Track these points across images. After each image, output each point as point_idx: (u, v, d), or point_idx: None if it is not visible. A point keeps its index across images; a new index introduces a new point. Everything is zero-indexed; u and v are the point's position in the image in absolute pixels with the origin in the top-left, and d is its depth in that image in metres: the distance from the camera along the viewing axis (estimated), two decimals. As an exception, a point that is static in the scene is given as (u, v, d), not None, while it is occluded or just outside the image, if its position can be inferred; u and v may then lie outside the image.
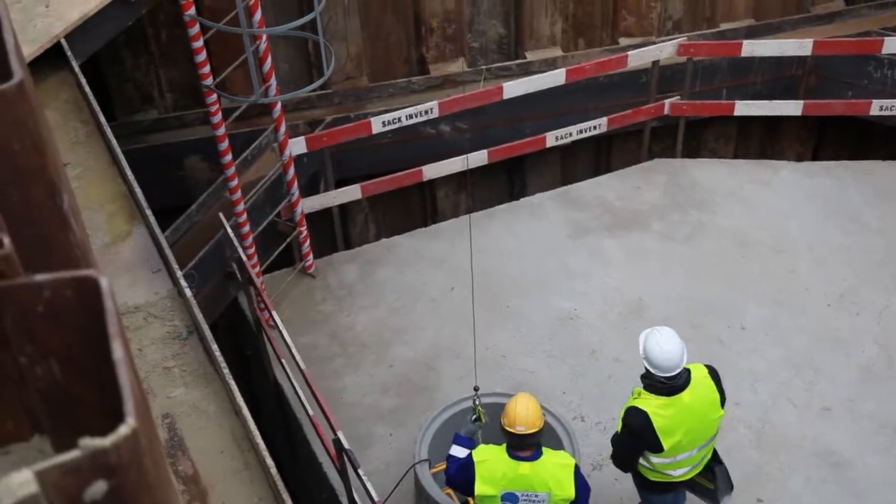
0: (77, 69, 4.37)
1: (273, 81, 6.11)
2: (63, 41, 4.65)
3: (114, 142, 3.80)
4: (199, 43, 5.71)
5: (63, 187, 1.38)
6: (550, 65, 7.97)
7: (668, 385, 4.40)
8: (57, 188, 1.32)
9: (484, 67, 8.01)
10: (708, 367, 4.62)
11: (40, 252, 1.29)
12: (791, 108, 8.05)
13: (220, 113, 5.96)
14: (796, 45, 7.73)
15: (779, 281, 7.01)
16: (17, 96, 1.24)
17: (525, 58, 8.13)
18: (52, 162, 1.35)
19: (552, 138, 7.85)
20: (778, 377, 6.29)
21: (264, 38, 5.94)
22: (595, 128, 7.92)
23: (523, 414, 4.23)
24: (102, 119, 3.98)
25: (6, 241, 0.99)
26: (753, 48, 7.72)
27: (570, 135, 7.90)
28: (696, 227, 7.55)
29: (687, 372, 4.49)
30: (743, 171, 8.10)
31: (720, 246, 7.36)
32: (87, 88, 4.17)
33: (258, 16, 5.82)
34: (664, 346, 4.37)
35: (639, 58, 7.65)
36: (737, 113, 8.10)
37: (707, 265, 7.18)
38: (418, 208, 8.67)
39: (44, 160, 1.31)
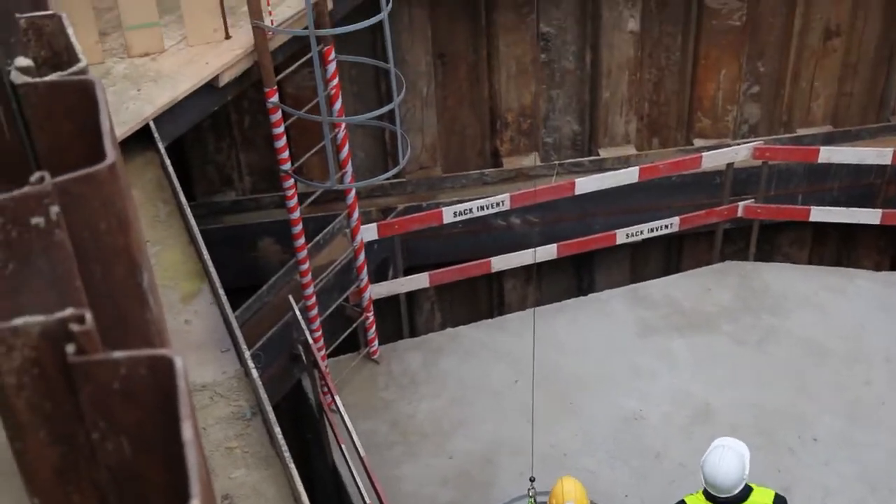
0: (163, 150, 4.52)
1: (349, 168, 6.24)
2: (152, 123, 4.83)
3: (192, 221, 3.91)
4: (280, 129, 5.89)
5: (144, 266, 1.41)
6: (624, 162, 8.00)
7: (722, 501, 4.40)
8: (138, 267, 1.36)
9: (557, 162, 8.08)
10: (778, 496, 4.53)
11: (118, 328, 1.32)
12: (869, 216, 7.91)
13: (295, 197, 6.09)
14: (875, 154, 7.64)
15: (853, 392, 6.79)
16: (108, 178, 1.29)
17: (598, 154, 8.18)
18: (136, 241, 1.39)
19: (623, 235, 7.83)
20: (852, 494, 6.05)
21: (343, 126, 6.10)
22: (666, 227, 7.89)
23: (570, 489, 4.25)
24: (183, 199, 4.10)
25: (88, 317, 1.02)
26: (831, 155, 7.66)
27: (641, 233, 7.87)
28: (767, 332, 7.39)
29: (747, 491, 4.43)
30: (818, 278, 7.94)
31: (792, 353, 7.18)
32: (171, 169, 4.31)
33: (338, 105, 5.98)
34: (722, 466, 4.36)
35: (713, 159, 7.63)
36: (812, 219, 7.99)
37: (778, 372, 7.00)
38: (485, 299, 8.67)
39: (128, 239, 1.35)
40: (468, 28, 7.59)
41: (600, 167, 8.01)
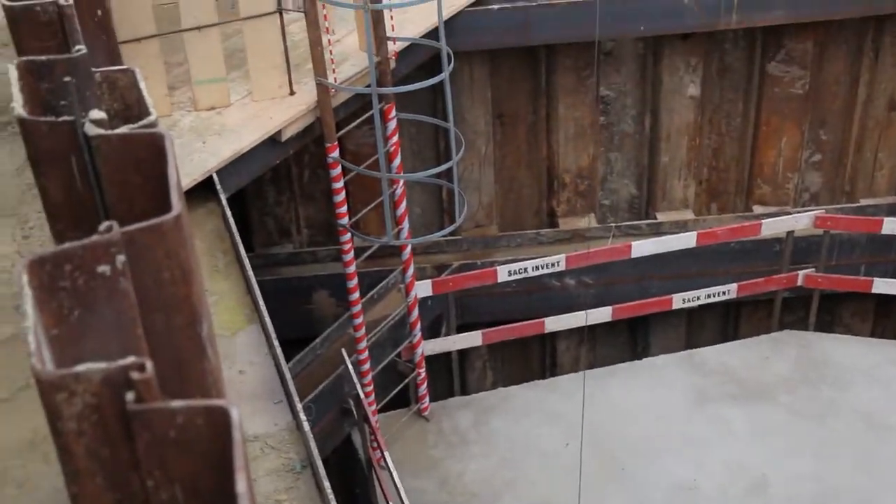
0: (224, 202, 4.61)
1: (405, 224, 6.29)
2: (215, 175, 4.93)
3: (250, 272, 3.96)
4: (340, 184, 5.97)
5: (204, 316, 1.43)
6: (681, 227, 7.94)
7: None
8: (199, 316, 1.38)
9: (614, 225, 8.05)
10: None
11: (176, 377, 1.33)
12: (934, 287, 7.72)
13: (352, 251, 6.15)
14: (941, 224, 7.48)
15: (917, 470, 6.57)
16: (174, 229, 1.32)
17: (656, 218, 8.14)
18: (197, 292, 1.41)
19: (679, 300, 7.74)
20: (913, 576, 5.82)
21: (401, 182, 6.16)
22: (724, 293, 7.78)
23: None
24: (242, 250, 4.16)
25: (149, 366, 1.03)
26: (895, 226, 7.51)
27: (698, 298, 7.77)
28: (827, 404, 7.21)
29: None
30: (881, 351, 7.75)
31: (853, 427, 6.98)
32: (231, 220, 4.38)
33: (397, 161, 6.05)
34: None
35: (773, 227, 7.54)
36: (875, 290, 7.82)
37: (838, 446, 6.81)
38: (537, 359, 8.61)
39: (190, 290, 1.37)
40: (528, 89, 7.66)
41: (657, 231, 7.96)
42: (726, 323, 8.76)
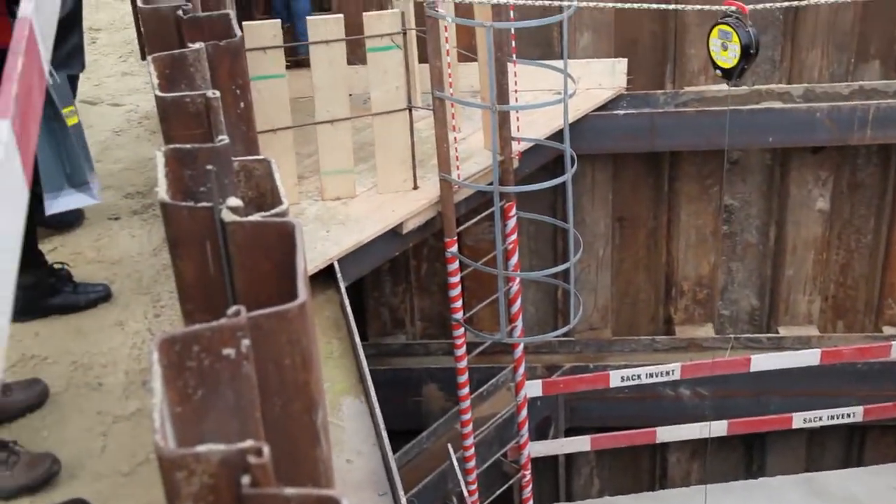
0: (343, 291, 4.70)
1: (519, 323, 6.27)
2: (336, 264, 5.05)
3: (364, 362, 4.00)
4: (456, 279, 6.01)
5: (320, 404, 1.45)
6: (804, 343, 7.66)
7: None
8: (316, 404, 1.40)
9: (733, 336, 7.83)
10: None
11: (289, 463, 1.35)
12: None
13: (464, 346, 6.15)
14: None
15: None
16: (298, 316, 1.35)
17: (777, 332, 7.88)
18: (316, 379, 1.43)
19: (800, 419, 7.42)
20: None
21: (517, 280, 6.17)
22: (849, 415, 7.42)
23: None
24: (357, 339, 4.22)
25: (266, 450, 1.05)
26: None
27: (820, 419, 7.43)
28: (959, 543, 6.73)
29: None
30: None
31: None
32: (349, 309, 4.46)
33: (514, 259, 6.07)
34: None
35: (903, 348, 7.20)
36: None
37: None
38: (647, 470, 8.34)
39: (309, 377, 1.39)
40: (650, 195, 7.62)
41: (779, 346, 7.70)
42: (850, 447, 8.33)
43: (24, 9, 1.65)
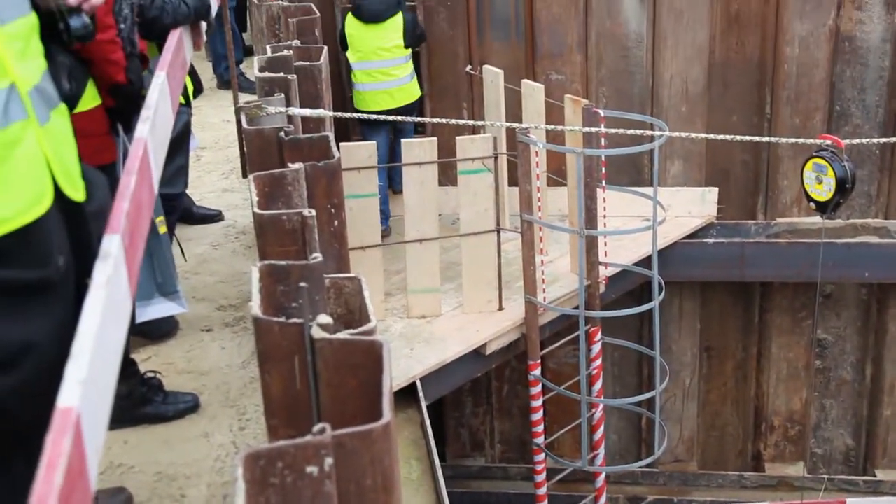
0: (425, 410, 4.67)
1: (601, 450, 6.12)
2: (418, 382, 5.04)
3: (443, 484, 3.94)
4: (538, 403, 5.94)
5: (398, 527, 1.43)
6: (903, 488, 7.28)
7: None
8: (394, 528, 1.38)
9: (826, 477, 7.48)
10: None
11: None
12: None
13: (544, 472, 6.01)
14: None
15: None
16: (382, 436, 1.35)
17: (874, 476, 7.51)
18: (396, 500, 1.42)
19: (899, 570, 6.98)
20: None
21: (600, 407, 6.06)
22: (953, 569, 6.96)
23: None
24: (437, 461, 4.17)
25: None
26: None
27: (922, 570, 6.98)
28: None
29: None
30: None
31: None
32: (430, 430, 4.42)
33: (598, 385, 5.98)
34: None
35: None
36: None
37: None
38: None
39: (389, 498, 1.38)
40: (739, 325, 7.47)
41: (876, 489, 7.32)
42: None
43: (141, 130, 1.75)
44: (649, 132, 4.75)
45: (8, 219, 1.46)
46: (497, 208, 5.63)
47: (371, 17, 6.16)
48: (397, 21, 6.15)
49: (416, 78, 6.44)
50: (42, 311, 1.55)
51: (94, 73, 2.45)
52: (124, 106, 2.41)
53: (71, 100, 2.38)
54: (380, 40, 6.13)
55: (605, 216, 5.85)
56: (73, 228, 1.61)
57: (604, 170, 5.75)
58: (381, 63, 6.17)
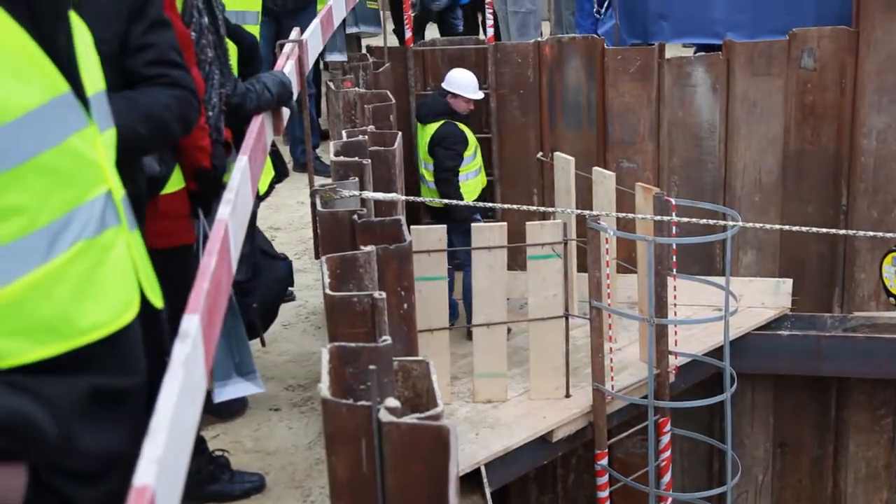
0: (489, 497, 4.61)
1: (670, 547, 5.94)
2: (483, 468, 4.99)
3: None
4: (605, 493, 5.81)
5: None
6: None
7: None
8: None
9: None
10: None
11: None
12: None
13: (610, 567, 5.85)
14: None
15: None
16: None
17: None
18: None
19: None
20: None
21: (669, 500, 5.89)
22: None
23: None
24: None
25: None
26: None
27: None
28: None
29: None
30: None
31: None
32: (494, 515, 4.35)
33: (667, 478, 5.83)
34: None
35: None
36: None
37: None
38: None
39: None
40: (814, 421, 7.24)
41: None
42: None
43: (222, 212, 1.80)
44: (722, 222, 4.72)
45: (103, 324, 1.49)
46: (566, 294, 5.61)
47: (419, 117, 6.32)
48: (432, 128, 6.17)
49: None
50: (127, 418, 1.57)
51: (182, 157, 2.55)
52: (206, 190, 2.50)
53: (160, 182, 2.47)
54: (421, 140, 6.25)
55: (675, 305, 5.79)
56: (149, 333, 1.65)
57: (675, 258, 5.71)
58: (424, 164, 6.27)
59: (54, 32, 1.48)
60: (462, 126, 6.15)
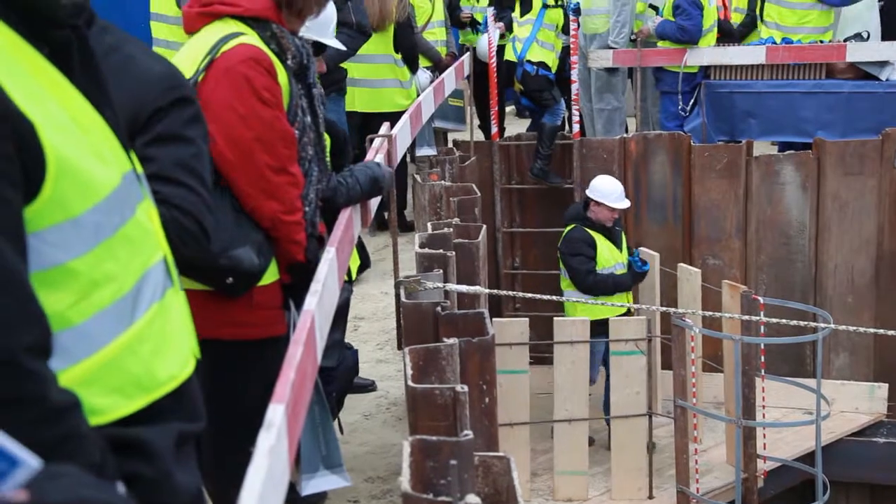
0: None
1: None
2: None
3: None
4: None
5: None
6: None
7: None
8: None
9: None
10: None
11: None
12: None
13: None
14: None
15: None
16: None
17: None
18: None
19: None
20: None
21: None
22: None
23: None
24: None
25: None
26: None
27: None
28: None
29: None
30: None
31: None
32: None
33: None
34: None
35: None
36: None
37: None
38: None
39: None
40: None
41: None
42: None
43: (309, 302, 1.84)
44: (812, 323, 4.60)
45: (176, 375, 1.64)
46: (649, 392, 5.51)
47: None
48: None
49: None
50: (195, 460, 1.72)
51: (277, 250, 2.61)
52: (299, 282, 2.55)
53: (259, 274, 2.54)
54: None
55: (764, 406, 5.62)
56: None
57: (763, 358, 5.57)
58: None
59: (111, 113, 1.63)
60: (591, 231, 5.87)
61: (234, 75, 2.52)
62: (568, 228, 6.00)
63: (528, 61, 6.79)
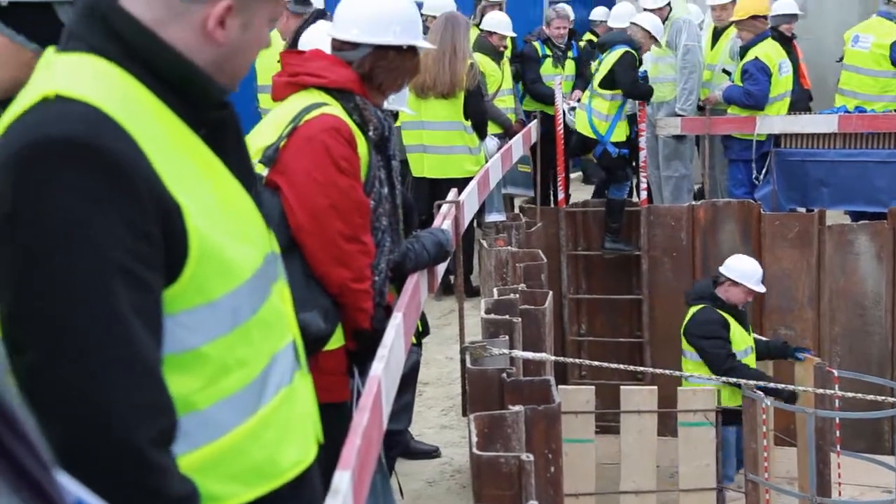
0: None
1: None
2: None
3: None
4: None
5: None
6: None
7: None
8: None
9: None
10: None
11: None
12: None
13: None
14: None
15: None
16: None
17: None
18: None
19: None
20: None
21: None
22: None
23: None
24: None
25: None
26: None
27: None
28: None
29: None
30: None
31: None
32: None
33: None
34: None
35: None
36: None
37: None
38: None
39: None
40: None
41: None
42: None
43: (376, 368, 1.85)
44: (890, 398, 4.46)
45: (298, 462, 1.58)
46: (718, 465, 5.37)
47: (685, 296, 6.02)
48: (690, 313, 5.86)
49: None
50: None
51: (344, 317, 2.63)
52: (364, 350, 2.56)
53: (325, 339, 2.56)
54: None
55: (840, 483, 5.44)
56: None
57: (838, 433, 5.40)
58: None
59: (256, 192, 1.60)
60: (722, 312, 5.60)
61: (315, 144, 2.58)
62: (697, 308, 5.71)
63: (612, 143, 6.64)
